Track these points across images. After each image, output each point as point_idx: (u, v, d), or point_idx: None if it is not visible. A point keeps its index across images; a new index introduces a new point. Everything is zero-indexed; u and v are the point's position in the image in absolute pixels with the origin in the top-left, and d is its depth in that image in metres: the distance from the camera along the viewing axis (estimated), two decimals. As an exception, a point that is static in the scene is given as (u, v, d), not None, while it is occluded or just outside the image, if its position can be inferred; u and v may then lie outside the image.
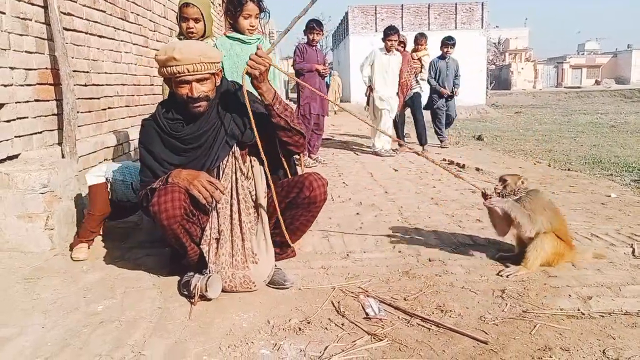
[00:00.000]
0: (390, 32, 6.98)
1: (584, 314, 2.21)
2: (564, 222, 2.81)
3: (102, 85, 4.76)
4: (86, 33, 4.43)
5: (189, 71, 2.30)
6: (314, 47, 6.60)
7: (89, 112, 4.51)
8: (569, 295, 2.38)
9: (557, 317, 2.19)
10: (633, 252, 2.98)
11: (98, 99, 4.69)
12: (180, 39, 3.87)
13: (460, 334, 2.04)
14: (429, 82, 7.89)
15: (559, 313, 2.22)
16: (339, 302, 2.36)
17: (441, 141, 8.10)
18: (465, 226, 3.59)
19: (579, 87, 42.24)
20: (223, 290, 2.40)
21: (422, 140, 7.69)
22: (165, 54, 2.30)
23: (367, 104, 7.55)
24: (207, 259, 2.43)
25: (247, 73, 2.32)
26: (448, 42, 7.80)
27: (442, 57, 7.90)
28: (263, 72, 2.31)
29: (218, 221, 2.47)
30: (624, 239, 3.20)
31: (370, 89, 7.25)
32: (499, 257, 2.89)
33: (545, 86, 47.31)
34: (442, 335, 2.04)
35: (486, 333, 2.05)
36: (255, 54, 2.29)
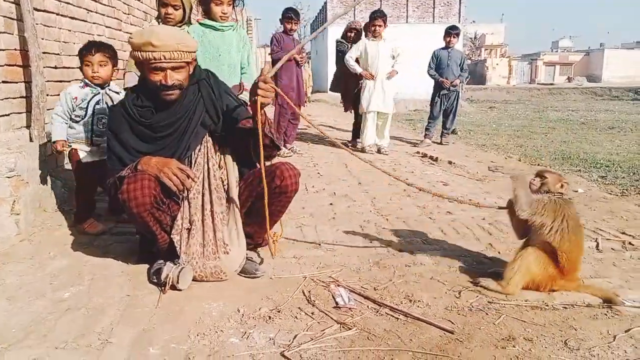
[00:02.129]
0: (374, 15, 6.56)
1: (547, 305, 2.27)
2: (580, 247, 2.38)
3: (73, 68, 4.64)
4: (57, 14, 4.32)
5: (165, 58, 2.26)
6: (290, 36, 6.52)
7: (59, 95, 4.41)
8: (534, 287, 2.43)
9: (522, 308, 2.24)
10: (597, 246, 3.07)
11: (68, 82, 4.58)
12: (157, 23, 3.82)
13: (428, 324, 2.07)
14: (428, 73, 7.62)
15: (523, 304, 2.27)
16: (309, 292, 2.37)
17: (425, 135, 7.79)
18: (435, 218, 3.64)
19: (551, 84, 42.92)
20: (193, 280, 2.38)
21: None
22: (141, 38, 2.24)
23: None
24: (178, 248, 2.41)
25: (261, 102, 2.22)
26: (451, 32, 7.46)
27: (446, 47, 7.57)
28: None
29: (190, 211, 2.44)
30: (588, 234, 3.28)
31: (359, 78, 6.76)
32: (493, 272, 2.55)
33: (519, 82, 47.86)
34: (410, 325, 2.08)
35: (452, 323, 2.09)
36: (262, 80, 2.18)
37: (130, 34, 2.47)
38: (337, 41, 7.49)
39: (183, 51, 2.29)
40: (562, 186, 2.42)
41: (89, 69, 3.17)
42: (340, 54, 7.18)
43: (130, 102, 2.42)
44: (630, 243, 3.11)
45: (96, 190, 3.32)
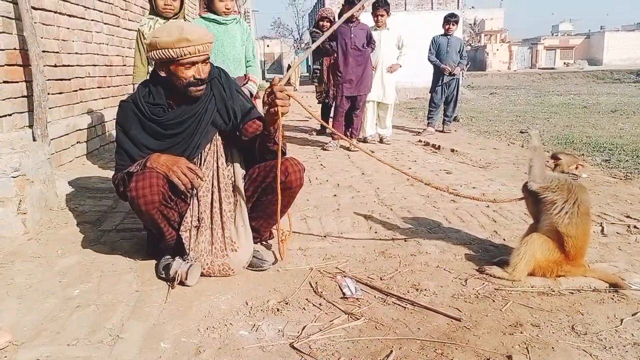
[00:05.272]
0: (377, 4, 6.33)
1: (554, 291, 2.28)
2: (587, 233, 2.37)
3: (72, 66, 4.66)
4: (55, 12, 4.32)
5: (199, 52, 2.27)
6: (351, 24, 5.95)
7: (60, 93, 4.43)
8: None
9: (528, 294, 2.26)
10: (602, 230, 3.07)
11: (69, 80, 4.59)
12: (150, 18, 3.81)
13: (435, 312, 2.09)
14: (429, 60, 7.57)
15: (529, 290, 2.29)
16: (316, 283, 2.39)
17: (428, 124, 7.75)
18: (440, 207, 3.64)
19: (552, 68, 42.69)
20: (201, 275, 2.40)
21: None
22: (172, 35, 2.22)
23: None
24: (186, 245, 2.42)
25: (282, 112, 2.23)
26: (450, 19, 7.46)
27: (445, 34, 7.53)
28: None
29: (199, 209, 2.44)
30: (593, 218, 3.28)
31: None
32: (499, 261, 2.55)
33: (520, 67, 47.60)
34: (417, 314, 2.09)
35: (459, 310, 2.11)
36: (279, 90, 2.18)
37: (133, 30, 2.45)
38: (311, 32, 7.06)
39: (210, 43, 2.32)
40: (577, 167, 2.41)
41: None
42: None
43: (142, 98, 2.41)
44: (635, 227, 3.12)
45: None
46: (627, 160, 5.32)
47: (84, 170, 4.46)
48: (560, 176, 2.37)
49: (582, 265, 2.40)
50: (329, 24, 6.78)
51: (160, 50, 2.25)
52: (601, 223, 3.18)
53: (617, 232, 3.05)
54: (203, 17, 3.96)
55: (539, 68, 46.41)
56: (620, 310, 2.09)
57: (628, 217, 3.32)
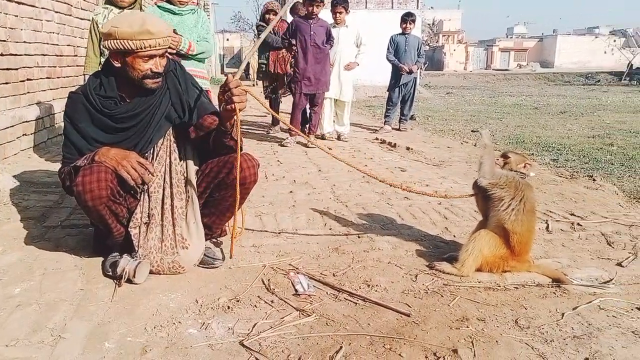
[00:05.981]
0: (335, 1, 6.33)
1: (499, 286, 2.35)
2: (531, 230, 2.46)
3: (20, 55, 4.48)
4: (1, -1, 4.14)
5: (159, 45, 2.21)
6: (311, 21, 5.98)
7: (6, 83, 4.26)
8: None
9: (475, 289, 2.31)
10: (547, 227, 3.18)
11: (16, 69, 4.42)
12: (105, 7, 3.71)
13: (385, 308, 2.11)
14: (387, 59, 7.62)
15: (476, 285, 2.35)
16: (269, 280, 2.38)
17: (385, 122, 7.83)
18: (393, 204, 3.69)
19: (506, 70, 43.85)
20: (150, 272, 2.34)
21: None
22: (134, 26, 2.14)
23: None
24: (135, 242, 2.36)
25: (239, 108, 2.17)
26: (407, 19, 7.52)
27: (403, 33, 7.59)
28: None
29: (149, 205, 2.38)
30: (539, 216, 3.38)
31: None
32: (449, 257, 2.60)
33: (476, 68, 48.64)
34: (368, 309, 2.11)
35: (409, 306, 2.14)
36: (235, 85, 2.12)
37: (86, 19, 2.37)
38: (257, 25, 6.77)
39: (169, 37, 2.27)
40: (525, 166, 2.49)
41: None
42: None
43: (93, 90, 2.32)
44: (578, 224, 3.24)
45: None
46: (574, 160, 5.52)
47: (29, 164, 4.30)
48: (508, 174, 2.44)
49: (527, 261, 2.48)
50: (275, 17, 6.75)
51: (118, 41, 2.17)
52: (547, 220, 3.29)
53: (562, 229, 3.16)
54: (158, 6, 3.87)
55: (493, 69, 47.57)
56: (562, 305, 2.17)
57: (572, 214, 3.45)
